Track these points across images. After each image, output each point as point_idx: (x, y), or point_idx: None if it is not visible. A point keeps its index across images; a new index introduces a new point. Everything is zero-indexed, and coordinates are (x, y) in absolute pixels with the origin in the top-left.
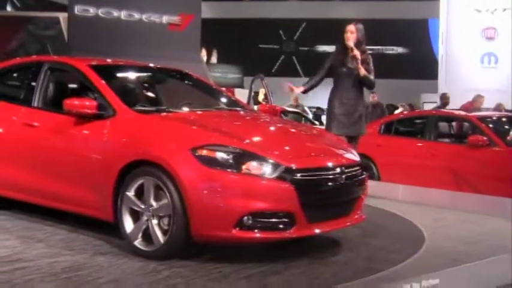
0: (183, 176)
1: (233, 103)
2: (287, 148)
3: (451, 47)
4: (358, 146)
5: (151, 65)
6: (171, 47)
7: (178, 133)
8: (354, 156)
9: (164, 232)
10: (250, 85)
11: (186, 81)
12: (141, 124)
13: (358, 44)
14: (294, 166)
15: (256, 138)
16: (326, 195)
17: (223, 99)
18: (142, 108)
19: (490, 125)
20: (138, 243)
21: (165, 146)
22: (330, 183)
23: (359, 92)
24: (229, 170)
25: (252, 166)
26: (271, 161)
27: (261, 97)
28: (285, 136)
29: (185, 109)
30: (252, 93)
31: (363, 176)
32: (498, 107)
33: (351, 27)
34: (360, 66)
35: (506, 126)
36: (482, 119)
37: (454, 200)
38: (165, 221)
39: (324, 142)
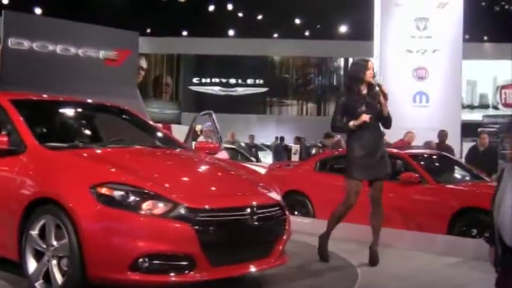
0: (80, 215)
1: (166, 140)
2: (195, 188)
3: (385, 86)
4: (293, 182)
5: (81, 100)
6: (107, 82)
7: (81, 170)
8: (274, 196)
9: (63, 273)
10: (192, 121)
11: (117, 117)
12: (48, 161)
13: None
14: (195, 206)
15: (163, 177)
16: (232, 237)
17: (156, 136)
18: (54, 144)
19: (422, 163)
20: (38, 284)
21: (65, 183)
22: (236, 224)
23: (379, 131)
24: (126, 209)
25: (151, 206)
26: (171, 200)
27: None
28: (198, 175)
29: (103, 145)
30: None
31: (283, 217)
32: (429, 145)
33: (372, 64)
34: (386, 104)
35: (437, 164)
36: (414, 156)
37: (387, 237)
38: (65, 261)
39: (242, 182)
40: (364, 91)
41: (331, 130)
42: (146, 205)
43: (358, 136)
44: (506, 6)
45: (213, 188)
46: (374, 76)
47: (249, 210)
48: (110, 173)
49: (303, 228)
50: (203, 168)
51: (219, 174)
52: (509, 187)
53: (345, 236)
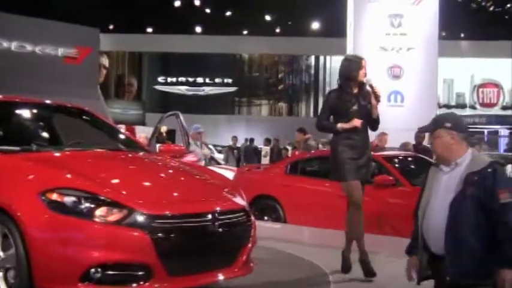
0: (27, 223)
1: (128, 143)
2: (154, 193)
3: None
4: (263, 186)
5: (39, 100)
6: (67, 81)
7: (32, 175)
8: (239, 201)
9: (10, 286)
10: (157, 123)
11: (77, 118)
12: None
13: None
14: (153, 212)
15: (121, 183)
16: (192, 245)
17: (117, 138)
18: (5, 148)
19: (396, 165)
20: None
21: (12, 189)
22: (196, 232)
23: (367, 132)
24: (78, 216)
25: (105, 212)
26: (126, 207)
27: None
28: (160, 180)
29: (60, 149)
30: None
31: (248, 223)
32: (404, 146)
33: (365, 62)
34: (377, 105)
35: (412, 166)
36: (389, 158)
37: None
38: (12, 273)
39: (205, 186)
40: (356, 90)
41: (317, 129)
42: (100, 212)
43: (347, 137)
44: (483, 3)
45: (174, 194)
46: (366, 75)
47: (210, 216)
48: (62, 177)
49: (273, 234)
50: (165, 172)
51: (182, 178)
52: (434, 190)
53: (315, 242)
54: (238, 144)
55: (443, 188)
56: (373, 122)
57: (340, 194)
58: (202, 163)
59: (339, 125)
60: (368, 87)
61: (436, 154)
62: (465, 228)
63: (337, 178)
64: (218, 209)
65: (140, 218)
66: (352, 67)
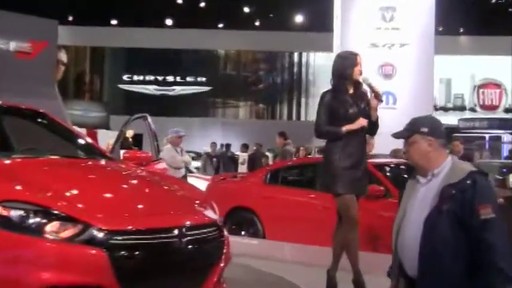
0: None
1: (88, 149)
2: (114, 206)
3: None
4: (240, 197)
5: None
6: (20, 79)
7: None
8: (210, 214)
9: None
10: (122, 126)
11: (31, 121)
12: None
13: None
14: (111, 228)
15: (78, 194)
16: (156, 264)
17: (77, 144)
18: None
19: (388, 174)
20: None
21: None
22: (161, 249)
23: (364, 138)
24: (26, 232)
25: (57, 228)
26: (81, 221)
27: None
28: (122, 191)
29: (10, 156)
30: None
31: (221, 239)
32: (395, 153)
33: (361, 59)
34: (377, 106)
35: (405, 175)
36: (379, 166)
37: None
38: None
39: (173, 199)
40: (351, 91)
41: (317, 137)
42: (51, 227)
43: (345, 143)
44: None
45: (137, 206)
46: (361, 73)
47: (177, 231)
48: (8, 189)
49: (250, 250)
50: (129, 183)
51: (147, 190)
52: (410, 204)
53: (298, 259)
54: (207, 150)
55: (419, 201)
56: (372, 125)
57: (326, 205)
58: (183, 172)
59: (344, 128)
60: (365, 87)
61: (412, 163)
62: (441, 248)
63: (329, 190)
64: (187, 223)
65: (97, 234)
66: (345, 64)
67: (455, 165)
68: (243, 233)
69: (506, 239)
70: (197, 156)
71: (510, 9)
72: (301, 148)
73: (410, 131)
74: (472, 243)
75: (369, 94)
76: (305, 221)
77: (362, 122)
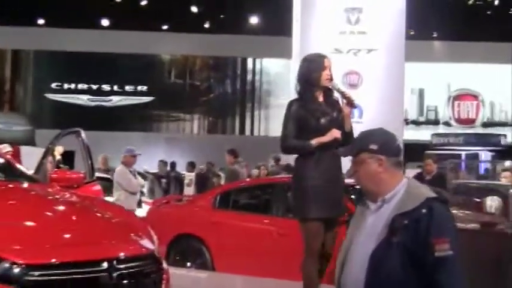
0: None
1: (7, 169)
2: (34, 237)
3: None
4: (185, 223)
5: None
6: None
7: None
8: (146, 244)
9: None
10: (49, 143)
11: None
12: None
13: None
14: (27, 262)
15: None
16: None
17: None
18: None
19: (352, 196)
20: None
21: None
22: (87, 285)
23: (337, 155)
24: None
25: None
26: None
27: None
28: (44, 219)
29: None
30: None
31: (158, 272)
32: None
33: (329, 62)
34: (350, 114)
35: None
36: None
37: None
38: None
39: (103, 227)
40: (321, 98)
41: (283, 152)
42: None
43: (316, 158)
44: None
45: (62, 236)
46: (331, 79)
47: (106, 264)
48: None
49: (197, 284)
50: (54, 209)
51: (74, 217)
52: (357, 234)
53: None
54: (149, 170)
55: (367, 231)
56: (345, 137)
57: (281, 232)
58: (138, 196)
59: (314, 141)
60: (336, 94)
61: (360, 186)
62: (388, 287)
63: (302, 214)
64: (119, 255)
65: (11, 269)
66: (311, 68)
67: (410, 190)
68: (188, 264)
69: (464, 282)
70: (142, 177)
71: (489, 12)
72: (262, 167)
73: (357, 148)
74: (424, 283)
75: (340, 101)
76: (259, 250)
77: (335, 133)
